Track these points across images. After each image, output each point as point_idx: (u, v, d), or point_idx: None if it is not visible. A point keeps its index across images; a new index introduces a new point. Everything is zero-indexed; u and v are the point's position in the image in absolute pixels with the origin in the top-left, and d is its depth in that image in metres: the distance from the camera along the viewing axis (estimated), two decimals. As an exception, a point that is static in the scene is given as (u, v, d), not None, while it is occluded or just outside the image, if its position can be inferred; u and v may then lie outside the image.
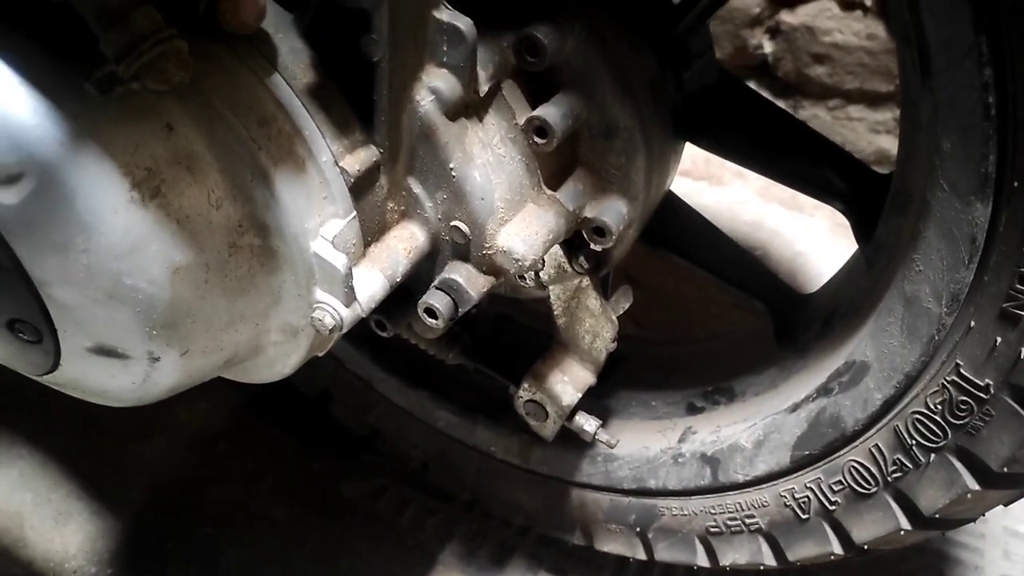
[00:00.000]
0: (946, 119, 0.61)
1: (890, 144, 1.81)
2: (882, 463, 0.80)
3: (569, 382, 0.92)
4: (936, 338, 0.71)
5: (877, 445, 0.79)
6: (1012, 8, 0.54)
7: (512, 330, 1.07)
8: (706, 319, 1.55)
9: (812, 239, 1.77)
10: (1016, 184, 0.60)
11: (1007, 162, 0.59)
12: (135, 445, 1.35)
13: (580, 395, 0.92)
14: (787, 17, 1.74)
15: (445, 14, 0.65)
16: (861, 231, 0.83)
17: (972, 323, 0.68)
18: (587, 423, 0.93)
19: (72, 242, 0.58)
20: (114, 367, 0.67)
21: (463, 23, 0.65)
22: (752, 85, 1.88)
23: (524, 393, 0.93)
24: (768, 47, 1.80)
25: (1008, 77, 0.56)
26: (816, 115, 1.85)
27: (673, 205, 0.95)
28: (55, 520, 1.26)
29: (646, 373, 1.09)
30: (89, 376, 0.69)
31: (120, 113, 0.57)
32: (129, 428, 1.35)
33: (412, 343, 0.93)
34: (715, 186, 1.90)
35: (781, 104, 1.88)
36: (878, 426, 0.78)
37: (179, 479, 1.31)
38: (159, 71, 0.54)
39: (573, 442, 1.01)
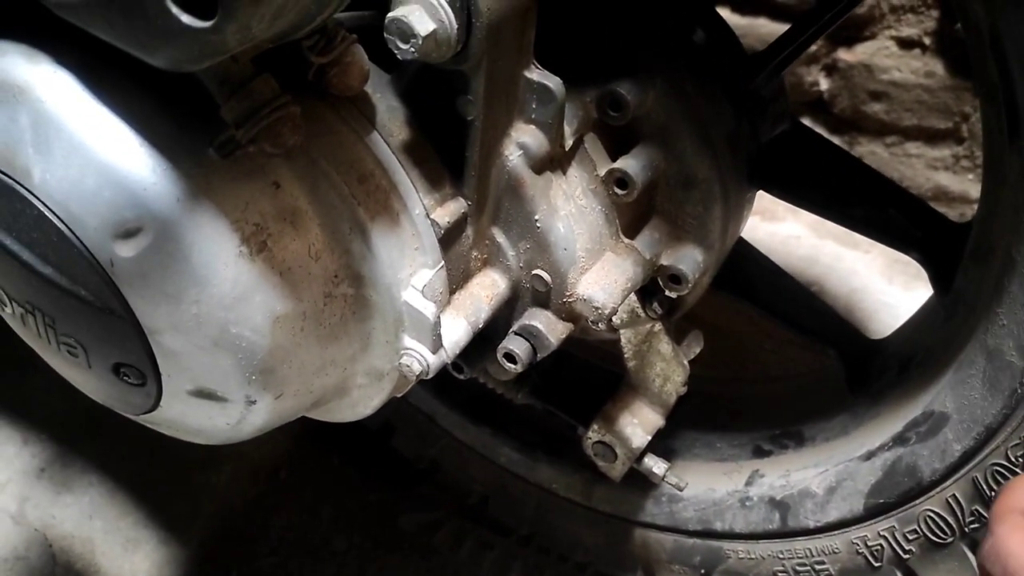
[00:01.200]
0: (1034, 179, 0.62)
1: (948, 180, 1.80)
2: (959, 513, 0.79)
3: (639, 424, 0.93)
4: (1018, 392, 0.71)
5: (955, 495, 0.79)
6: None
7: (574, 367, 1.08)
8: (760, 354, 1.55)
9: (868, 276, 1.76)
10: (1104, 245, 0.60)
11: (1095, 222, 0.60)
12: (201, 474, 1.38)
13: (649, 438, 0.93)
14: (844, 55, 1.75)
15: (536, 74, 0.67)
16: (938, 281, 0.84)
17: (1056, 378, 0.68)
18: (656, 465, 0.94)
19: (184, 293, 0.61)
20: (212, 409, 0.69)
21: (553, 82, 0.67)
22: (807, 121, 1.88)
23: (593, 434, 0.94)
24: (824, 84, 1.81)
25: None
26: (873, 151, 1.84)
27: (742, 249, 0.96)
28: (124, 547, 1.30)
29: (710, 413, 1.09)
30: (187, 417, 0.71)
31: (232, 172, 0.60)
32: (195, 457, 1.39)
33: (482, 383, 0.94)
34: (768, 221, 1.90)
35: (837, 140, 1.88)
36: (956, 477, 0.78)
37: (242, 508, 1.34)
38: (275, 135, 0.57)
39: (637, 481, 1.02)
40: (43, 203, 0.60)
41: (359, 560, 1.27)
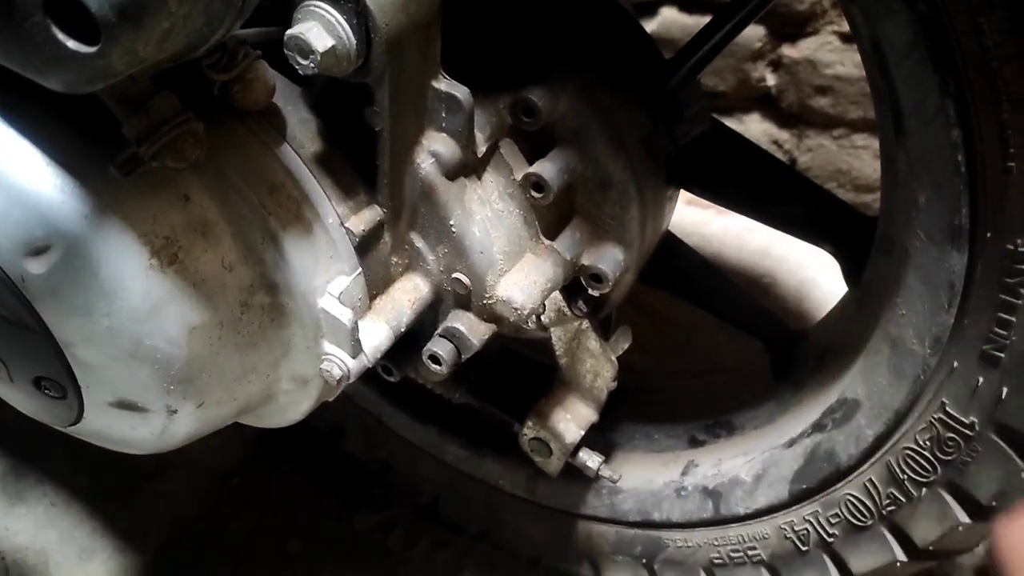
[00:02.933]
0: (920, 175, 0.64)
1: (892, 171, 1.83)
2: (876, 497, 0.82)
3: (572, 420, 0.95)
4: (922, 378, 0.73)
5: (871, 479, 0.82)
6: (975, 75, 0.57)
7: (515, 364, 1.10)
8: (714, 347, 1.58)
9: (819, 266, 1.79)
10: (988, 235, 0.62)
11: (979, 214, 0.62)
12: (154, 482, 1.38)
13: (583, 432, 0.95)
14: (788, 51, 1.78)
15: (443, 84, 0.69)
16: (850, 273, 0.86)
17: (955, 364, 0.70)
18: (590, 459, 0.96)
19: (95, 307, 0.62)
20: (134, 420, 0.71)
21: (460, 92, 0.69)
22: (756, 117, 1.91)
23: (528, 431, 0.96)
24: (771, 80, 1.83)
25: (975, 137, 0.59)
26: (821, 144, 1.87)
27: (670, 245, 0.98)
28: (79, 557, 1.30)
29: (649, 406, 1.12)
30: (111, 428, 0.73)
31: (139, 187, 0.61)
32: (148, 466, 1.39)
33: (420, 383, 0.96)
34: (722, 215, 1.92)
35: (785, 134, 1.91)
36: (871, 461, 0.81)
37: (196, 515, 1.35)
38: (177, 151, 0.58)
39: (578, 475, 1.04)
40: (-47, 223, 0.61)
41: (314, 563, 1.29)
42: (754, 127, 1.90)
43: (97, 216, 0.60)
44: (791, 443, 0.88)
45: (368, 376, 1.22)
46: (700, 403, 1.05)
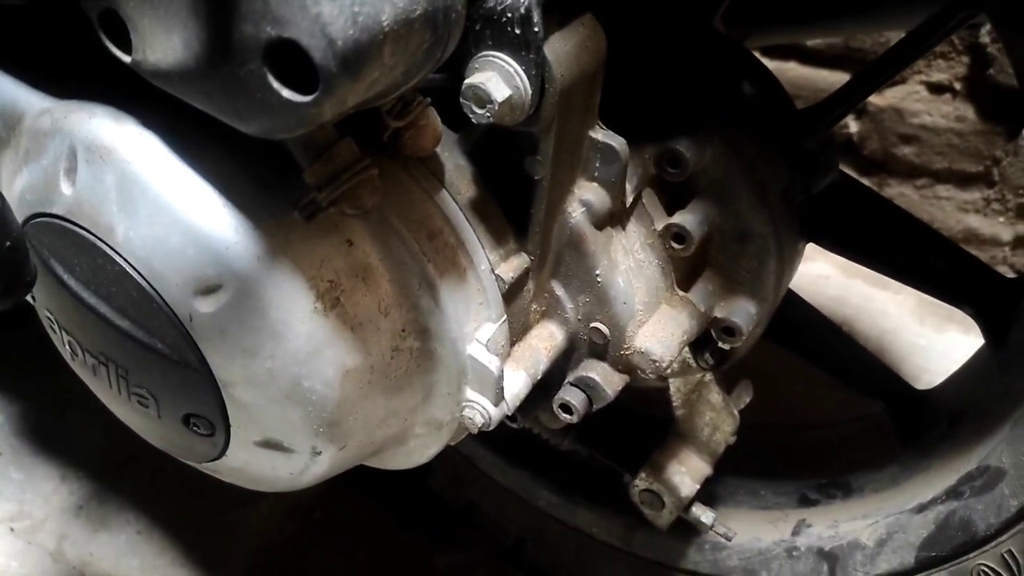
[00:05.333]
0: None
1: (978, 223, 1.80)
2: (1015, 569, 0.79)
3: (687, 473, 0.93)
4: (1077, 449, 0.71)
5: (1010, 551, 0.79)
6: None
7: (619, 414, 1.08)
8: (792, 397, 1.55)
9: (898, 316, 1.76)
10: None
11: None
12: (236, 512, 1.38)
13: (698, 487, 0.93)
14: (874, 99, 1.76)
15: (601, 134, 0.69)
16: (992, 335, 0.84)
17: (1114, 436, 0.68)
18: (704, 515, 0.94)
19: (261, 348, 0.62)
20: (277, 459, 0.71)
21: (617, 142, 0.69)
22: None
23: (641, 482, 0.95)
24: (854, 127, 1.82)
25: None
26: (903, 193, 1.85)
27: (790, 300, 0.97)
28: (161, 585, 1.30)
29: (752, 460, 1.09)
30: (251, 466, 0.73)
31: (309, 231, 0.61)
32: (231, 496, 1.39)
33: (529, 429, 0.95)
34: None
35: (866, 181, 1.89)
36: (1012, 532, 0.78)
37: (278, 547, 1.35)
38: (355, 198, 0.58)
39: (679, 527, 1.02)
40: (125, 260, 0.62)
41: (392, 600, 1.27)
42: (836, 175, 1.88)
43: (269, 259, 0.60)
44: (921, 508, 0.86)
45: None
46: (809, 461, 1.03)
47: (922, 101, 1.74)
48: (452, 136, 0.70)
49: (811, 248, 1.91)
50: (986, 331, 0.85)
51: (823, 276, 1.88)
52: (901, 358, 1.70)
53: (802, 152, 0.83)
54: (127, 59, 0.55)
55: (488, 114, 0.60)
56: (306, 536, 1.37)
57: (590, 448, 0.99)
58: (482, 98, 0.59)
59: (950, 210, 1.84)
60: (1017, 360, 0.79)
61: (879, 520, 0.89)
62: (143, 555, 1.33)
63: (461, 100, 0.60)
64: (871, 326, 1.78)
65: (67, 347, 0.72)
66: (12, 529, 1.35)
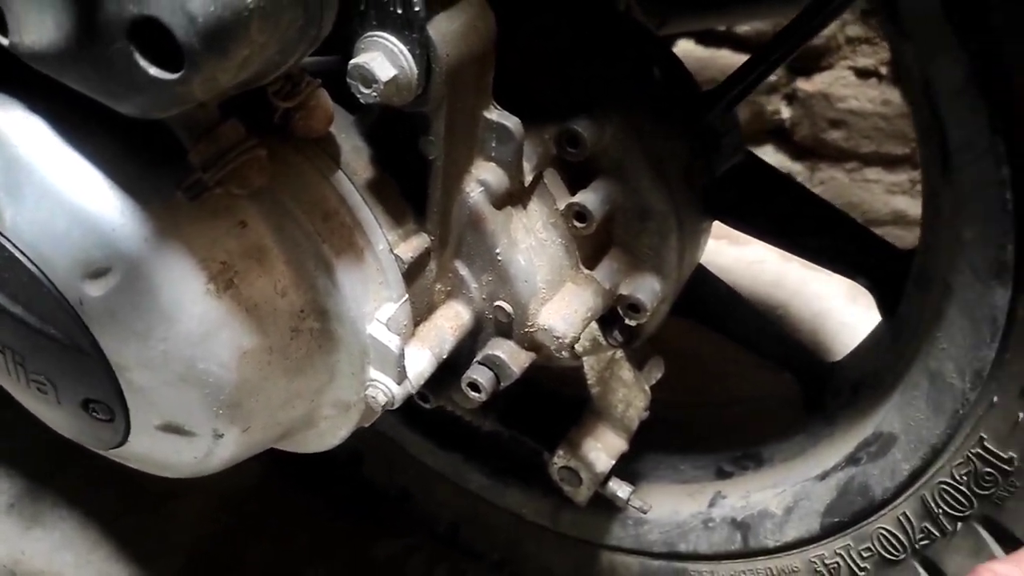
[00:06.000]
0: (966, 212, 0.65)
1: (906, 204, 1.85)
2: (910, 531, 0.82)
3: (602, 449, 0.95)
4: (960, 412, 0.74)
5: (905, 513, 0.82)
6: (1024, 114, 0.58)
7: (540, 395, 1.10)
8: (725, 379, 1.58)
9: (833, 298, 1.80)
10: (1034, 272, 0.64)
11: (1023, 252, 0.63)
12: (171, 505, 1.38)
13: (613, 462, 0.95)
14: (803, 84, 1.80)
15: (495, 114, 0.70)
16: (885, 306, 0.87)
17: (995, 399, 0.71)
18: (620, 489, 0.96)
19: (153, 331, 0.62)
20: (179, 443, 0.71)
21: (511, 122, 0.70)
22: (770, 148, 1.93)
23: (559, 460, 0.96)
24: (785, 113, 1.86)
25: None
26: (833, 177, 1.89)
27: (701, 276, 0.99)
28: (96, 580, 1.29)
29: (674, 437, 1.12)
30: (155, 451, 0.73)
31: (199, 213, 0.62)
32: (165, 489, 1.38)
33: (449, 411, 0.96)
34: (734, 245, 1.94)
35: (798, 166, 1.94)
36: (906, 495, 0.81)
37: (213, 539, 1.34)
38: (242, 178, 0.59)
39: (602, 505, 1.04)
40: (13, 245, 0.62)
41: (332, 590, 1.28)
42: (767, 159, 1.92)
43: (158, 240, 0.61)
44: (824, 476, 0.88)
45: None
46: (726, 435, 1.06)
47: (849, 86, 1.78)
48: (349, 118, 0.71)
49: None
50: (879, 302, 0.88)
51: (759, 260, 1.91)
52: (832, 336, 1.74)
53: (704, 132, 0.85)
54: (5, 42, 0.54)
55: (374, 94, 0.61)
56: (242, 527, 1.36)
57: (511, 428, 1.00)
58: (367, 78, 0.60)
59: (878, 192, 1.89)
60: (905, 329, 0.82)
61: (786, 489, 0.92)
62: (77, 550, 1.32)
63: (348, 80, 0.61)
64: (805, 307, 1.82)
65: (-36, 336, 0.72)
66: (-60, 530, 1.34)
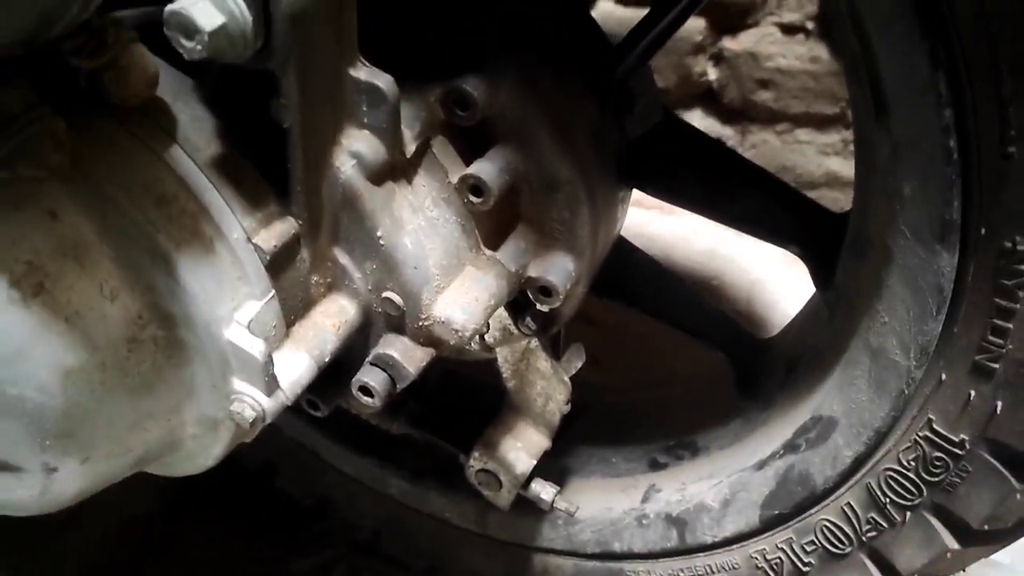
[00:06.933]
0: (905, 162, 0.57)
1: (839, 166, 1.80)
2: (856, 522, 0.75)
3: (522, 448, 0.86)
4: (906, 392, 0.67)
5: (849, 503, 0.75)
6: (970, 42, 0.50)
7: (460, 388, 1.01)
8: (663, 356, 1.50)
9: (768, 266, 1.74)
10: (983, 231, 0.56)
11: (972, 208, 0.55)
12: (66, 532, 1.25)
13: (535, 462, 0.86)
14: (729, 43, 1.73)
15: (363, 72, 0.59)
16: (819, 276, 0.79)
17: (943, 376, 0.64)
18: (544, 491, 0.87)
19: (-57, 353, 0.51)
20: (8, 481, 0.59)
21: (383, 81, 0.59)
22: (699, 113, 1.86)
23: (475, 463, 0.87)
24: (712, 74, 1.78)
25: (970, 117, 0.52)
26: (765, 140, 1.83)
27: (621, 251, 0.90)
28: (-14, 614, 1.16)
29: (604, 426, 1.03)
30: (-20, 491, 0.61)
31: (-8, 204, 0.50)
32: (58, 514, 1.26)
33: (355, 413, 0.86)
34: (667, 215, 1.86)
35: (729, 130, 1.87)
36: (849, 484, 0.74)
37: (113, 566, 1.22)
38: (32, 155, 0.47)
39: (531, 506, 0.95)
40: None
41: (246, 611, 1.17)
42: (696, 124, 1.84)
43: (-64, 240, 0.49)
44: (761, 465, 0.81)
45: (298, 408, 1.12)
46: (659, 421, 0.98)
47: (776, 43, 1.71)
48: (187, 82, 0.60)
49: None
50: (813, 271, 0.80)
51: (692, 230, 1.84)
52: (770, 306, 1.68)
53: (614, 89, 0.75)
54: None
55: (199, 47, 0.49)
56: (147, 552, 1.24)
57: (422, 431, 0.90)
58: (188, 28, 0.49)
59: (811, 154, 1.83)
60: (842, 301, 0.74)
61: (723, 480, 0.84)
62: (-32, 581, 1.19)
63: (165, 31, 0.50)
64: (741, 275, 1.76)
65: None
66: None
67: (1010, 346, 0.59)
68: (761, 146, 1.84)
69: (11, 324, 0.52)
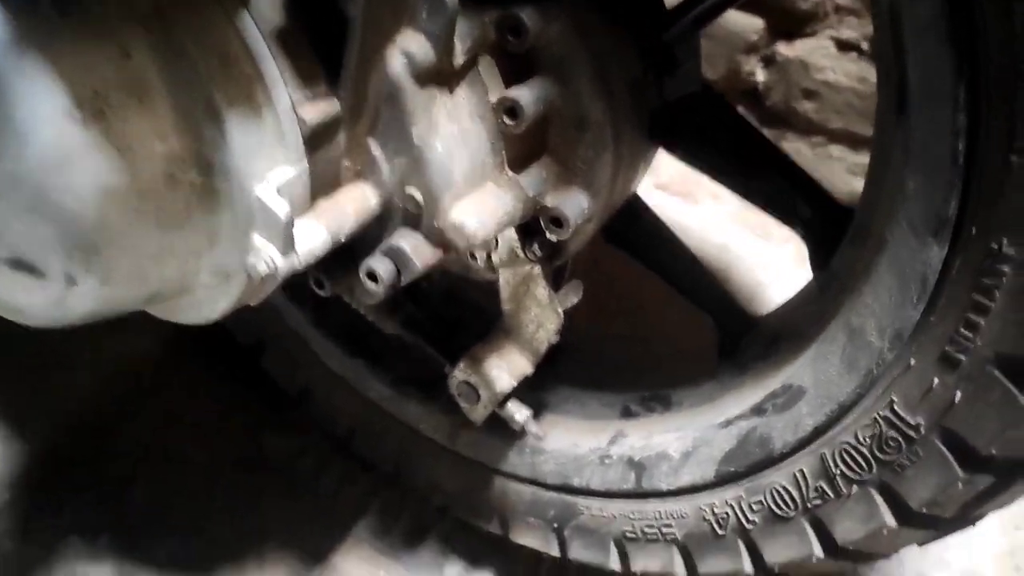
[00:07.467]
0: (914, 159, 0.61)
1: (863, 185, 1.82)
2: (804, 489, 0.79)
3: (506, 368, 0.90)
4: (874, 372, 0.71)
5: (802, 470, 0.79)
6: (995, 59, 0.53)
7: (460, 308, 1.05)
8: (653, 315, 1.53)
9: (775, 270, 1.77)
10: (974, 230, 0.60)
11: (967, 208, 0.59)
12: (59, 373, 1.30)
13: (515, 383, 0.91)
14: (783, 49, 1.74)
15: (429, -23, 0.63)
16: (817, 258, 0.83)
17: (912, 362, 0.68)
18: (518, 412, 0.92)
19: (3, 148, 0.55)
20: (30, 284, 0.64)
21: (445, -12, 0.63)
22: (740, 111, 1.88)
23: (459, 374, 0.92)
24: (761, 75, 1.80)
25: (981, 126, 0.56)
26: (799, 149, 1.85)
27: (637, 208, 0.94)
28: (-30, 441, 1.22)
29: (586, 370, 1.08)
30: (5, 289, 0.66)
31: (77, 33, 0.55)
32: (56, 358, 1.31)
33: (353, 308, 0.91)
34: (689, 203, 1.89)
35: (766, 132, 1.88)
36: (805, 451, 0.78)
37: (98, 412, 1.28)
38: (123, -2, 0.51)
39: (501, 430, 1.00)
40: None
41: (215, 476, 1.22)
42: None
43: (23, 52, 0.53)
44: (727, 424, 0.85)
45: (298, 297, 1.17)
46: (637, 373, 1.02)
47: (829, 57, 1.73)
48: (264, -46, 0.63)
49: (703, 192, 1.86)
50: (812, 253, 0.84)
51: (711, 222, 1.86)
52: (767, 307, 1.71)
53: (659, 49, 0.79)
54: None
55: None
56: (130, 400, 1.30)
57: (415, 334, 0.95)
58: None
59: (840, 172, 1.85)
60: (833, 283, 0.78)
61: (687, 433, 0.89)
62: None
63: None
64: (748, 274, 1.79)
65: None
66: None
67: (979, 341, 0.62)
68: (794, 154, 1.85)
69: (65, 136, 0.56)
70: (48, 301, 0.64)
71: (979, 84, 0.55)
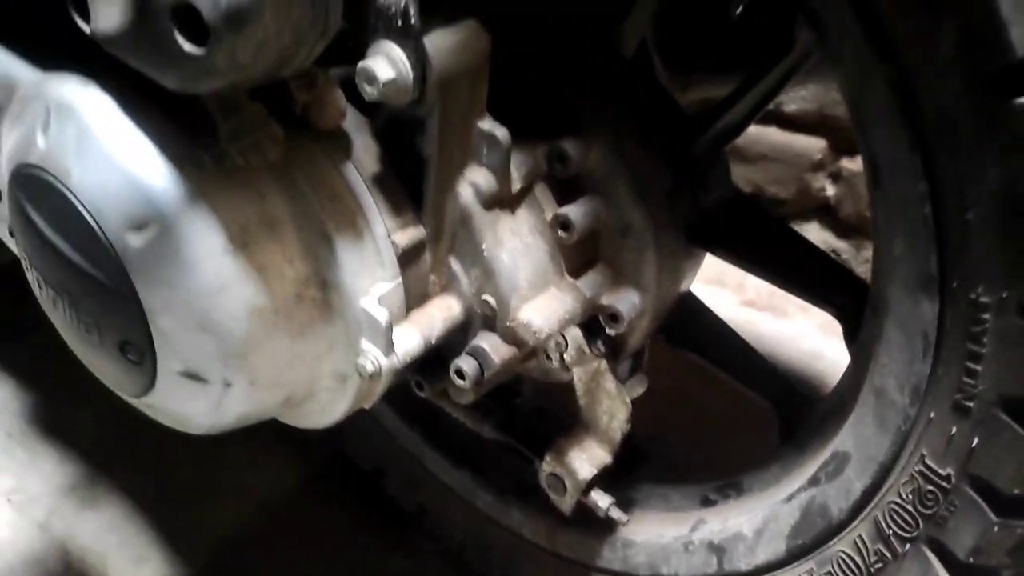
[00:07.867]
0: (896, 225, 0.72)
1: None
2: (865, 554, 0.84)
3: (586, 459, 1.01)
4: (903, 428, 0.77)
5: (861, 536, 0.84)
6: (938, 132, 0.65)
7: (551, 421, 1.17)
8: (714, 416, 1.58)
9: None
10: (955, 284, 0.68)
11: (945, 264, 0.68)
12: (209, 504, 1.49)
13: (596, 471, 1.00)
14: (847, 163, 1.86)
15: (487, 123, 0.81)
16: (849, 334, 0.92)
17: (932, 414, 0.74)
18: (601, 499, 1.01)
19: (178, 280, 0.75)
20: (195, 390, 0.82)
21: (501, 132, 0.81)
22: (816, 225, 1.98)
23: (546, 466, 1.03)
24: (830, 190, 1.92)
25: (940, 190, 0.67)
26: (875, 255, 1.91)
27: (694, 308, 1.06)
28: (134, 562, 1.40)
29: (667, 470, 1.16)
30: (175, 398, 0.84)
31: (226, 182, 0.74)
32: (206, 489, 1.50)
33: (454, 417, 1.05)
34: (779, 318, 1.97)
35: (843, 243, 1.97)
36: (860, 516, 0.84)
37: (240, 541, 1.44)
38: (260, 151, 0.71)
39: (595, 528, 1.09)
40: (78, 199, 0.76)
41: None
42: (812, 235, 1.97)
43: (189, 201, 0.73)
44: (789, 498, 0.92)
45: (410, 416, 1.32)
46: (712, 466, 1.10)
47: (895, 170, 1.82)
48: (362, 120, 0.84)
49: (792, 305, 1.92)
50: (845, 330, 0.92)
51: (801, 333, 1.92)
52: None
53: (688, 161, 0.94)
54: (87, 28, 0.69)
55: (375, 91, 0.73)
56: (270, 532, 1.46)
57: (507, 435, 1.07)
58: (370, 77, 0.72)
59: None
60: (861, 352, 0.86)
61: (758, 512, 0.95)
62: (122, 534, 1.44)
63: (356, 79, 0.73)
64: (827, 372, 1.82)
65: (35, 283, 0.86)
66: (10, 500, 1.49)
67: (981, 386, 0.69)
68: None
69: (223, 266, 0.75)
70: (209, 406, 0.81)
71: (931, 154, 0.66)
